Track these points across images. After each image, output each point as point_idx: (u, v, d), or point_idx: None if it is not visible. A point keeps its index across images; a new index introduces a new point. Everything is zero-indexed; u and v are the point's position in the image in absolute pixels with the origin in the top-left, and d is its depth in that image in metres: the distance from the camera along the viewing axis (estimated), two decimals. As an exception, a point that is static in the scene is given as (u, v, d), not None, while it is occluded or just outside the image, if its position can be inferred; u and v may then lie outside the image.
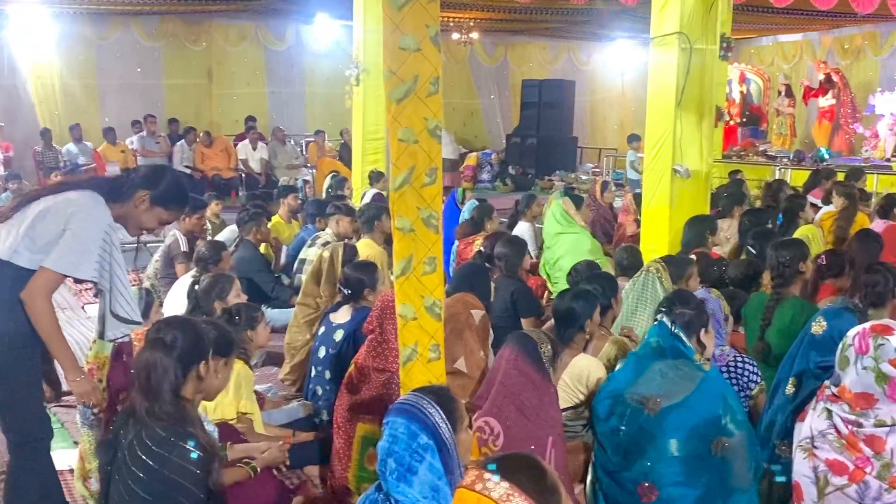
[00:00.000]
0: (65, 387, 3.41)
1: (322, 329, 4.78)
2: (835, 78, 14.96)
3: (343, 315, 4.69)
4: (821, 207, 7.66)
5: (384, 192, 9.93)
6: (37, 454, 3.18)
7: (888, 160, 12.54)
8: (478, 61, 18.90)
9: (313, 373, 4.76)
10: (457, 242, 6.98)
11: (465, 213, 7.91)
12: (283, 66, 16.88)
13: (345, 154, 14.38)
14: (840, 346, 3.05)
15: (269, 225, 7.66)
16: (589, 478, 3.63)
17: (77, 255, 3.05)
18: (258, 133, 14.75)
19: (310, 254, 6.89)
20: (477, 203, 7.79)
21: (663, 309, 3.59)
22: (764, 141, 15.55)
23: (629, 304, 4.81)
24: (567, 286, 5.04)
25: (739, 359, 4.01)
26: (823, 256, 4.94)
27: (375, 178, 10.29)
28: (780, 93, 16.04)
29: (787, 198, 7.60)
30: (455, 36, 17.11)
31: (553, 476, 1.86)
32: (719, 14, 6.68)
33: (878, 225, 6.77)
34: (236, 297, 4.76)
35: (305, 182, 13.82)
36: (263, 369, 5.83)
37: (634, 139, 15.33)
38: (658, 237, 6.62)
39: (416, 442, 2.43)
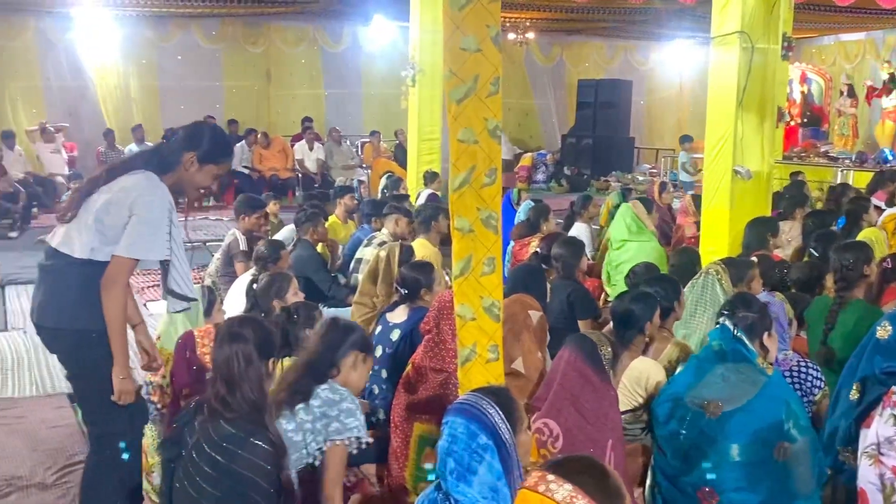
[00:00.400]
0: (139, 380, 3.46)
1: (379, 328, 4.80)
2: (898, 77, 14.62)
3: (400, 315, 4.70)
4: (884, 210, 7.48)
5: (439, 193, 9.97)
6: (116, 448, 3.23)
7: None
8: (533, 61, 18.84)
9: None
10: (512, 243, 6.96)
11: (521, 214, 7.88)
12: (339, 68, 17.02)
13: (399, 154, 14.46)
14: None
15: (326, 225, 7.71)
16: (648, 482, 3.60)
17: (147, 238, 3.09)
18: (315, 133, 14.91)
19: (366, 253, 6.94)
20: (532, 204, 7.75)
21: (726, 312, 3.54)
22: (825, 142, 15.23)
23: (688, 306, 4.74)
24: (626, 289, 4.99)
25: (803, 363, 3.94)
26: (889, 259, 4.82)
27: (430, 178, 10.33)
28: (841, 93, 15.70)
29: (850, 200, 7.43)
30: (511, 36, 17.07)
31: (616, 478, 1.85)
32: (781, 13, 6.57)
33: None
34: (294, 295, 4.79)
35: (360, 182, 13.94)
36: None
37: (686, 140, 15.22)
38: (718, 239, 6.54)
39: (476, 442, 2.44)
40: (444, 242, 6.80)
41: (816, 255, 5.53)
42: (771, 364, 3.53)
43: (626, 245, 6.82)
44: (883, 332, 3.48)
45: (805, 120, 16.02)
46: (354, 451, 3.10)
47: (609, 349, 3.58)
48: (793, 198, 7.54)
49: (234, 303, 5.49)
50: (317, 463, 3.00)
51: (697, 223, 7.59)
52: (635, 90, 18.12)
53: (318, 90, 16.97)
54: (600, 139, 17.03)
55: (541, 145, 18.65)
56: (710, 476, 3.28)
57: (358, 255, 7.15)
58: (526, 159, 16.74)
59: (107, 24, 14.22)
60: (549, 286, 5.10)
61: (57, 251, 3.15)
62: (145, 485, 3.93)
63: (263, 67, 16.48)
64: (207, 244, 9.68)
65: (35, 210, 12.05)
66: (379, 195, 10.14)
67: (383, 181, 10.50)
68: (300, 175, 14.32)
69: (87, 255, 3.10)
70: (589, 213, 7.82)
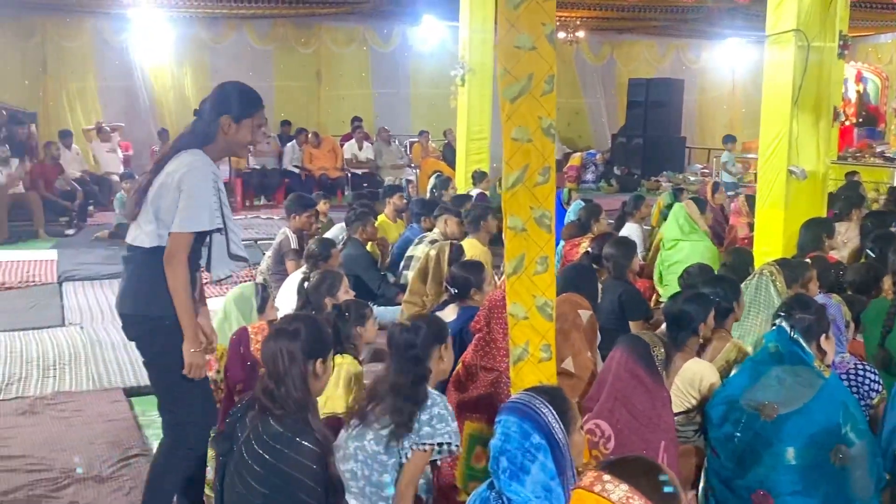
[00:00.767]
0: None
1: (429, 327, 4.80)
2: (958, 76, 14.27)
3: (449, 314, 4.70)
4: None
5: (487, 192, 9.97)
6: (188, 438, 3.29)
7: None
8: (583, 60, 18.75)
9: (420, 371, 4.79)
10: (562, 243, 6.93)
11: (571, 214, 7.85)
12: (388, 68, 17.11)
13: (448, 154, 14.49)
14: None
15: (376, 224, 7.76)
16: (701, 484, 3.56)
17: (195, 209, 3.15)
18: (364, 133, 14.99)
19: (417, 252, 6.97)
20: (583, 204, 7.72)
21: (782, 313, 3.49)
22: (881, 142, 14.89)
23: (741, 307, 4.69)
24: (678, 289, 4.94)
25: (860, 366, 3.86)
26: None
27: (479, 178, 10.33)
28: (898, 92, 15.38)
29: (908, 201, 7.29)
30: (561, 35, 17.00)
31: (673, 479, 1.83)
32: (837, 11, 6.47)
33: None
34: (345, 293, 4.82)
35: (409, 182, 13.99)
36: (370, 365, 5.89)
37: (729, 140, 15.10)
38: (772, 240, 6.44)
39: (529, 441, 2.43)
40: (494, 242, 6.81)
41: (874, 256, 5.43)
42: (828, 367, 3.47)
43: (678, 245, 6.77)
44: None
45: (860, 120, 15.69)
46: (440, 458, 3.15)
47: (662, 350, 3.55)
48: (848, 199, 7.41)
49: (286, 300, 5.55)
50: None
51: (750, 224, 7.49)
52: (687, 89, 17.93)
53: (367, 90, 17.07)
54: (651, 139, 16.88)
55: (590, 145, 18.55)
56: (764, 479, 3.23)
57: (409, 253, 7.19)
58: (575, 159, 16.66)
59: (161, 24, 14.46)
60: (600, 286, 5.07)
61: (132, 246, 3.27)
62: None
63: (314, 68, 16.62)
64: (258, 242, 9.80)
65: (91, 208, 12.29)
66: (427, 195, 10.16)
67: (432, 181, 10.53)
68: (349, 174, 14.42)
69: (156, 243, 3.19)
70: (641, 213, 7.76)
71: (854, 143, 14.68)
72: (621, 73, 19.20)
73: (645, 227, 8.08)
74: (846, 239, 6.67)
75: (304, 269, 5.80)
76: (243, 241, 3.52)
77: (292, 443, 2.65)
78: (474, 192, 9.98)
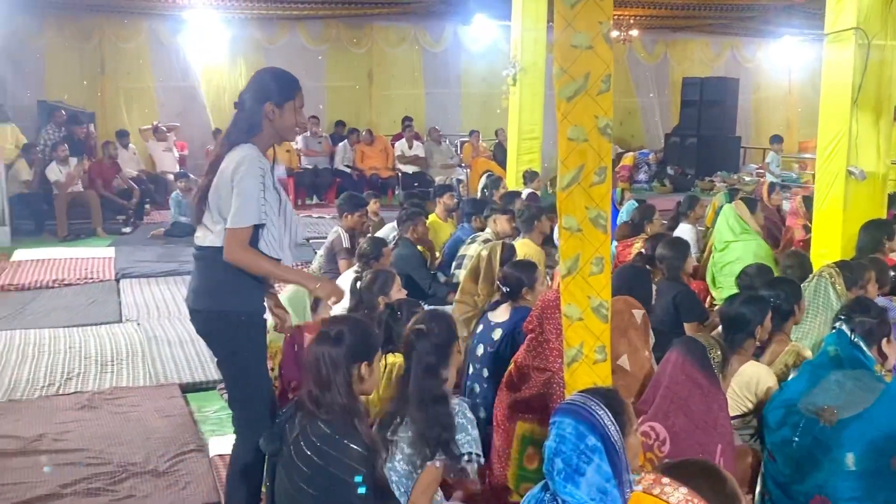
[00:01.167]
0: None
1: (480, 327, 4.80)
2: None
3: (501, 314, 4.69)
4: None
5: (538, 192, 9.93)
6: (258, 434, 3.27)
7: None
8: (636, 59, 18.58)
9: (471, 370, 4.79)
10: (615, 244, 6.88)
11: (624, 215, 7.79)
12: (439, 67, 17.11)
13: (499, 154, 14.46)
14: None
15: (427, 223, 7.77)
16: (758, 489, 3.51)
17: (244, 205, 3.17)
18: (414, 133, 15.03)
19: (469, 251, 6.97)
20: (636, 204, 7.66)
21: (843, 316, 3.43)
22: (944, 141, 14.54)
23: (800, 310, 4.61)
24: (734, 291, 4.88)
25: (924, 372, 3.78)
26: None
27: (530, 177, 10.30)
28: (962, 90, 14.94)
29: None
30: (614, 34, 16.86)
31: (733, 484, 1.81)
32: (899, 8, 6.32)
33: None
34: (398, 292, 4.85)
35: (459, 181, 14.00)
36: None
37: (776, 140, 14.93)
38: (830, 242, 6.33)
39: (584, 443, 2.42)
40: (547, 242, 6.79)
41: (937, 258, 5.31)
42: (889, 371, 3.41)
43: (730, 246, 6.68)
44: None
45: (922, 119, 15.31)
46: (468, 467, 3.14)
47: (718, 352, 3.51)
48: (909, 199, 7.25)
49: (338, 299, 5.58)
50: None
51: (806, 225, 7.37)
52: (742, 88, 17.67)
53: (418, 90, 17.10)
54: (705, 138, 16.67)
55: (643, 144, 18.37)
56: (823, 485, 3.18)
57: (461, 252, 7.19)
58: (628, 159, 16.51)
59: (216, 25, 14.63)
60: (654, 288, 5.02)
61: (201, 246, 3.31)
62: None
63: (365, 68, 16.70)
64: (310, 241, 9.89)
65: (147, 207, 12.50)
66: (479, 194, 10.16)
67: (483, 180, 10.52)
68: (400, 174, 14.47)
69: (208, 242, 3.26)
70: (695, 213, 7.68)
71: (916, 142, 14.33)
72: (675, 72, 18.99)
73: (699, 227, 7.99)
74: (906, 241, 6.53)
75: (355, 268, 5.85)
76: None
77: (340, 445, 2.67)
78: (525, 192, 9.95)
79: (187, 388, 5.57)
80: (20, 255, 9.44)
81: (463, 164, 14.92)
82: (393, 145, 14.82)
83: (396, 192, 14.15)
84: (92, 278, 8.54)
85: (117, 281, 8.51)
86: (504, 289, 4.70)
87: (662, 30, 18.52)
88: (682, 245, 5.63)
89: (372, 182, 13.78)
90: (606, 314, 3.16)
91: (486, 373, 4.62)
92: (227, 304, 3.25)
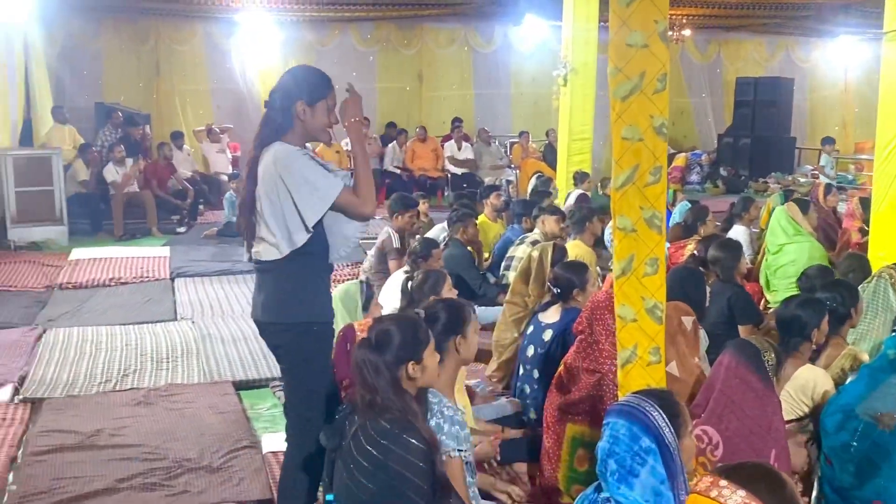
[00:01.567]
0: None
1: (531, 328, 4.80)
2: None
3: (552, 315, 4.68)
4: None
5: (589, 193, 9.88)
6: (312, 434, 3.24)
7: None
8: (689, 59, 18.37)
9: (521, 371, 4.79)
10: (667, 246, 6.81)
11: (676, 216, 7.71)
12: (489, 68, 17.08)
13: (549, 155, 14.40)
14: None
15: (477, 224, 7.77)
16: (814, 493, 3.45)
17: (321, 181, 3.15)
18: (463, 133, 15.04)
19: (518, 252, 6.96)
20: (689, 205, 7.57)
21: (904, 319, 3.36)
22: None
23: (857, 311, 4.52)
24: (788, 294, 4.81)
25: None
26: None
27: (580, 178, 10.25)
28: None
29: None
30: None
31: (792, 488, 1.79)
32: (961, 6, 6.16)
33: None
34: (449, 292, 4.84)
35: (509, 182, 13.97)
36: (471, 365, 5.92)
37: (828, 142, 14.70)
38: (888, 244, 6.19)
39: (638, 444, 2.40)
40: (598, 244, 6.75)
41: None
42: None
43: (784, 248, 6.59)
44: None
45: None
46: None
47: (773, 355, 3.46)
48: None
49: (389, 299, 5.62)
50: None
51: (863, 228, 7.22)
52: (797, 88, 17.41)
53: (468, 91, 17.10)
54: (759, 139, 16.42)
55: (695, 145, 18.15)
56: (882, 491, 3.12)
57: (510, 253, 7.19)
58: (680, 159, 16.30)
59: (268, 28, 14.78)
60: (708, 290, 4.96)
61: (264, 261, 3.26)
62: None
63: (415, 69, 16.75)
64: (361, 241, 9.94)
65: (201, 207, 12.67)
66: (528, 195, 10.13)
67: (533, 181, 10.50)
68: (449, 175, 14.49)
69: (287, 250, 3.18)
70: (750, 215, 7.56)
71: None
72: (728, 72, 18.74)
73: (753, 229, 7.88)
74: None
75: (405, 268, 5.87)
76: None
77: (399, 439, 2.68)
78: (575, 193, 9.91)
79: (240, 386, 5.64)
80: (77, 253, 9.63)
81: (512, 165, 14.88)
82: (442, 146, 14.84)
83: (446, 194, 14.17)
84: (147, 277, 8.69)
85: (172, 280, 8.65)
86: (555, 290, 4.69)
87: (715, 29, 18.28)
88: (734, 246, 5.56)
89: (421, 183, 13.82)
90: (661, 316, 3.13)
91: (536, 374, 4.61)
92: (299, 315, 3.23)
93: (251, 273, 3.58)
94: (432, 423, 2.86)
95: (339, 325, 4.58)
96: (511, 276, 6.65)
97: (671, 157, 16.21)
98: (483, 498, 3.37)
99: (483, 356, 5.91)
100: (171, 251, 9.96)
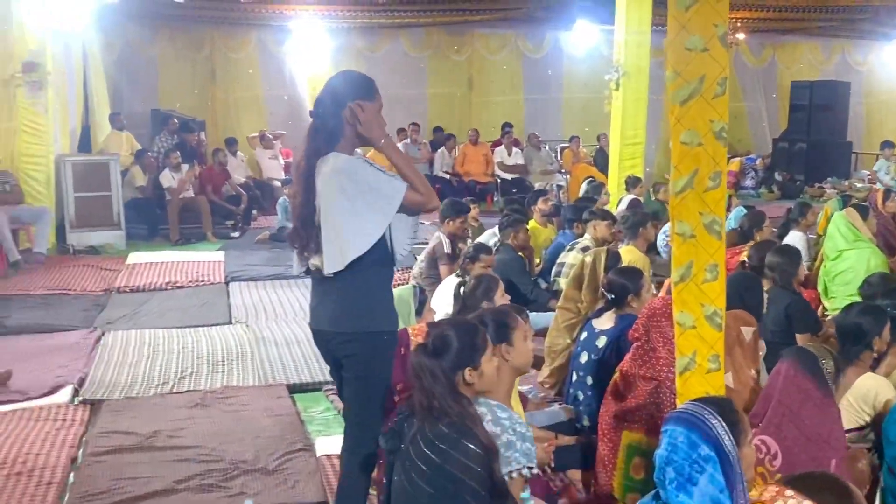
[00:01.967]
0: None
1: (584, 334, 4.77)
2: None
3: (606, 321, 4.65)
4: None
5: (641, 198, 9.80)
6: (368, 439, 3.29)
7: None
8: (743, 63, 18.13)
9: (574, 378, 4.77)
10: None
11: (732, 222, 7.61)
12: (539, 73, 17.05)
13: (600, 159, 14.33)
14: None
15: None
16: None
17: (382, 186, 3.15)
18: (513, 139, 15.03)
19: (569, 258, 6.94)
20: (744, 211, 7.47)
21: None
22: None
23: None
24: (847, 301, 4.72)
25: None
26: None
27: (632, 183, 10.18)
28: None
29: None
30: (719, 37, 16.49)
31: (860, 497, 1.75)
32: None
33: None
34: (501, 297, 4.84)
35: (559, 188, 13.92)
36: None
37: (888, 146, 14.40)
38: (951, 251, 6.06)
39: (697, 452, 2.38)
40: (651, 249, 6.69)
41: None
42: None
43: (843, 255, 6.46)
44: None
45: None
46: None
47: (832, 363, 3.40)
48: None
49: (441, 304, 5.63)
50: None
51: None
52: (853, 92, 17.11)
53: (517, 96, 17.09)
54: (815, 143, 16.16)
55: (750, 150, 17.90)
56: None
57: (560, 259, 7.16)
58: (734, 164, 16.11)
59: (320, 35, 14.93)
60: (764, 296, 4.89)
61: (327, 272, 3.22)
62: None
63: (466, 74, 16.79)
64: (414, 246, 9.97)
65: (255, 212, 12.82)
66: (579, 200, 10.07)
67: (584, 186, 10.44)
68: (499, 180, 14.48)
69: (351, 258, 3.15)
70: (806, 221, 7.43)
71: None
72: (783, 76, 18.47)
73: (810, 235, 7.74)
74: None
75: (457, 273, 5.89)
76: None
77: (458, 444, 2.68)
78: (627, 198, 9.85)
79: (294, 389, 5.68)
80: (134, 258, 9.80)
81: (563, 170, 14.83)
82: (492, 152, 14.84)
83: (496, 199, 14.16)
84: (203, 281, 8.81)
85: (227, 283, 8.75)
86: (609, 296, 4.66)
87: (770, 33, 18.05)
88: (793, 252, 5.47)
89: (471, 188, 13.84)
90: (720, 322, 3.09)
91: (589, 380, 4.59)
92: (370, 325, 3.23)
93: (303, 278, 3.56)
94: (504, 438, 2.82)
95: (393, 329, 4.59)
96: (562, 282, 6.63)
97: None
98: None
99: (535, 362, 5.89)
100: (225, 255, 10.08)
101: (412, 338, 4.03)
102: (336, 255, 3.17)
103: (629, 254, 6.14)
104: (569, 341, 5.37)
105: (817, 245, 7.52)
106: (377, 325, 3.25)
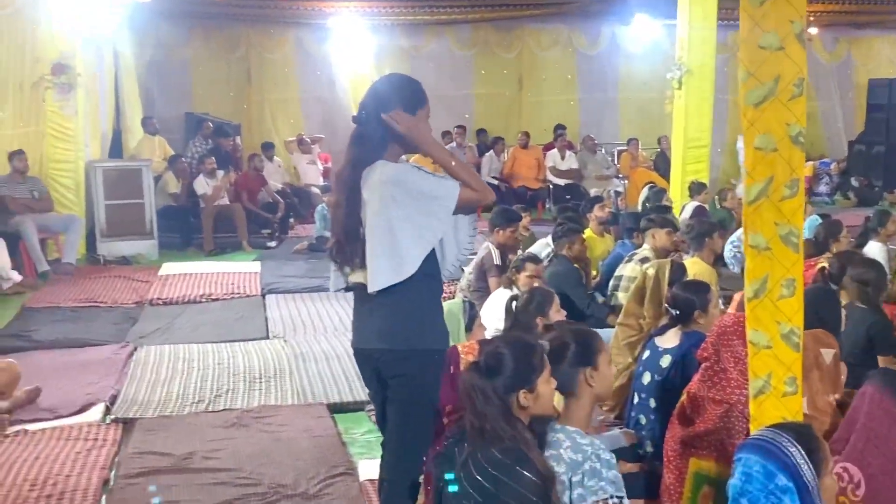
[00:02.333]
0: None
1: (647, 353, 4.73)
2: None
3: (671, 339, 4.60)
4: None
5: (706, 205, 9.71)
6: (413, 462, 3.29)
7: None
8: (816, 59, 17.89)
9: (636, 400, 4.72)
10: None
11: (806, 232, 7.50)
12: (595, 71, 16.98)
13: (661, 163, 14.23)
14: None
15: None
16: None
17: (434, 187, 3.16)
18: (567, 141, 14.97)
19: (627, 270, 6.87)
20: (819, 220, 7.37)
21: None
22: None
23: None
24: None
25: None
26: None
27: (696, 189, 10.09)
28: None
29: None
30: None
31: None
32: None
33: None
34: (557, 312, 4.81)
35: (617, 194, 13.83)
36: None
37: None
38: None
39: (774, 483, 2.36)
40: (717, 261, 6.61)
41: None
42: None
43: (928, 264, 6.35)
44: None
45: None
46: None
47: (919, 385, 3.34)
48: None
49: (491, 319, 5.63)
50: None
51: None
52: (937, 90, 16.77)
53: (571, 95, 17.02)
54: (895, 146, 15.88)
55: (823, 153, 17.67)
56: None
57: (618, 272, 7.10)
58: (807, 169, 15.90)
59: (362, 34, 15.02)
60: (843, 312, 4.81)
61: (381, 290, 3.20)
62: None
63: (515, 73, 16.77)
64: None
65: (292, 220, 12.91)
66: (640, 207, 10.01)
67: (644, 192, 10.37)
68: (551, 186, 14.42)
69: (408, 273, 3.16)
70: (887, 230, 7.31)
71: None
72: (860, 73, 18.21)
73: (891, 246, 7.61)
74: None
75: (505, 285, 5.88)
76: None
77: (512, 471, 2.67)
78: (692, 205, 9.76)
79: (335, 409, 5.71)
80: (167, 268, 9.96)
81: (620, 175, 14.74)
82: (544, 155, 14.79)
83: (548, 206, 14.12)
84: (238, 293, 8.91)
85: (263, 296, 8.84)
86: (673, 311, 4.61)
87: (845, 27, 17.82)
88: (880, 268, 5.35)
89: (520, 194, 13.78)
90: (798, 342, 3.04)
91: (652, 403, 4.54)
92: (422, 342, 3.23)
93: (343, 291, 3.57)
94: (586, 466, 2.81)
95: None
96: (621, 296, 6.58)
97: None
98: None
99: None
100: (261, 266, 10.19)
101: (462, 356, 4.03)
102: (385, 269, 3.16)
103: (694, 266, 6.07)
104: (630, 360, 5.32)
105: (897, 257, 7.40)
106: (430, 343, 3.26)
